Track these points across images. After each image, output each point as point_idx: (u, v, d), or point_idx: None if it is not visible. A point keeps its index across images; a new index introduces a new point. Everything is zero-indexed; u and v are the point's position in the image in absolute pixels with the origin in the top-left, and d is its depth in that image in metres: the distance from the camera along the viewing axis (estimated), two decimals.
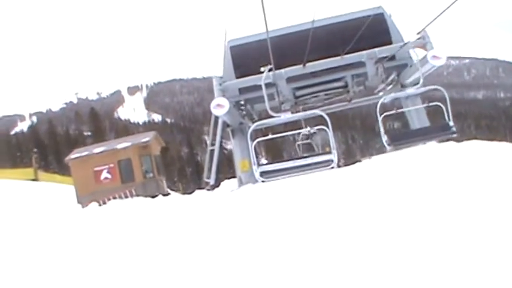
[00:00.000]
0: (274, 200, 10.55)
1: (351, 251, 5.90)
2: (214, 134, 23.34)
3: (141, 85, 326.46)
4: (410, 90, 18.53)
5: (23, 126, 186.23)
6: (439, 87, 17.47)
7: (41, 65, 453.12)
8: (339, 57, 20.02)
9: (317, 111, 17.90)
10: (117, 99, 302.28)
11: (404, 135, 19.12)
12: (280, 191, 11.80)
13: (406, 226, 6.40)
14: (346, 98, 23.80)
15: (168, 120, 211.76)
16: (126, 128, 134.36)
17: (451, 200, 7.20)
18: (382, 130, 17.46)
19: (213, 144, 23.57)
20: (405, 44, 19.55)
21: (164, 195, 29.85)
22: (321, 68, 20.50)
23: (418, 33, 19.40)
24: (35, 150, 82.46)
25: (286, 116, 16.93)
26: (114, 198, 28.09)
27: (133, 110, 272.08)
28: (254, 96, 21.53)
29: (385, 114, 18.12)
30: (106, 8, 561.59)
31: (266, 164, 16.80)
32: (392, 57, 20.63)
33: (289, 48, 20.71)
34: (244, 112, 23.04)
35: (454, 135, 16.91)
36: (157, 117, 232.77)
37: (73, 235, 10.45)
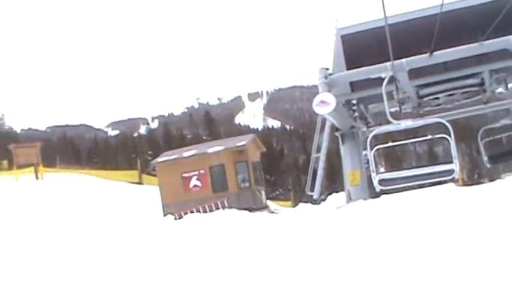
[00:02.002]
0: (389, 227, 8.55)
1: None
2: (321, 139, 20.01)
3: (262, 91, 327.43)
4: None
5: (145, 129, 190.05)
6: None
7: (166, 70, 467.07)
8: (476, 44, 16.34)
9: (438, 119, 15.72)
10: (237, 104, 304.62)
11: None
12: (397, 214, 9.79)
13: None
14: (482, 99, 19.61)
15: (288, 127, 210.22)
16: (244, 134, 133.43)
17: None
18: (483, 152, 17.11)
19: (318, 151, 20.22)
20: None
21: (261, 208, 26.81)
22: (452, 57, 16.92)
23: None
24: (149, 152, 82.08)
25: (407, 123, 14.80)
26: (204, 208, 25.24)
27: (253, 116, 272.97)
28: (368, 95, 18.33)
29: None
30: (229, 14, 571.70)
31: (385, 172, 15.82)
32: None
33: (411, 38, 17.55)
34: (356, 114, 19.57)
35: None
36: (276, 124, 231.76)
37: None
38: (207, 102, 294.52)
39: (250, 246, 8.90)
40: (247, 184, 28.43)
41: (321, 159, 20.01)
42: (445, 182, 14.54)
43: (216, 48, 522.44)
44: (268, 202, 31.90)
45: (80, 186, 41.63)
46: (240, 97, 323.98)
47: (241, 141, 29.73)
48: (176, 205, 26.50)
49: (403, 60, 16.39)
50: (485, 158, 16.90)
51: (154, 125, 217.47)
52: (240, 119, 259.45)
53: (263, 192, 30.43)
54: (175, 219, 20.29)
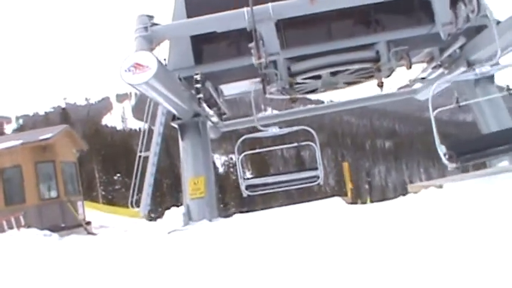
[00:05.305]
0: (236, 264, 6.39)
1: None
2: (150, 133, 14.34)
3: (130, 93, 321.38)
4: (485, 68, 11.10)
5: (8, 129, 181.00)
6: None
7: (32, 69, 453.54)
8: None
9: (303, 127, 13.83)
10: (105, 106, 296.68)
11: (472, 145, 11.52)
12: (249, 243, 7.50)
13: None
14: (377, 79, 14.60)
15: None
16: (112, 136, 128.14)
17: None
18: (437, 139, 10.21)
19: (148, 149, 14.47)
20: None
21: (74, 226, 20.62)
22: (344, 4, 12.01)
23: None
24: None
25: (274, 131, 13.66)
26: None
27: (121, 118, 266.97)
28: (220, 69, 13.19)
29: (440, 109, 11.27)
30: (97, 14, 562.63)
31: (252, 178, 15.11)
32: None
33: None
34: (200, 95, 13.90)
35: None
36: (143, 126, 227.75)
37: None
38: (75, 103, 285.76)
39: None
40: (54, 193, 21.57)
41: (150, 162, 14.39)
42: (311, 187, 14.61)
43: (84, 48, 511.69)
44: (98, 214, 25.32)
45: None
46: (108, 98, 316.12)
47: (45, 134, 22.24)
48: None
49: (269, 4, 11.16)
50: (442, 152, 9.70)
51: (19, 124, 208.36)
52: (108, 120, 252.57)
53: (80, 204, 23.34)
54: None
